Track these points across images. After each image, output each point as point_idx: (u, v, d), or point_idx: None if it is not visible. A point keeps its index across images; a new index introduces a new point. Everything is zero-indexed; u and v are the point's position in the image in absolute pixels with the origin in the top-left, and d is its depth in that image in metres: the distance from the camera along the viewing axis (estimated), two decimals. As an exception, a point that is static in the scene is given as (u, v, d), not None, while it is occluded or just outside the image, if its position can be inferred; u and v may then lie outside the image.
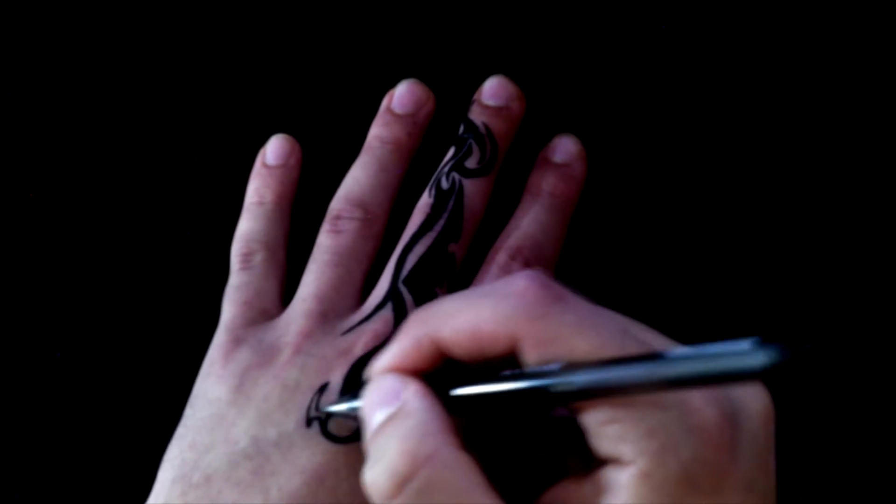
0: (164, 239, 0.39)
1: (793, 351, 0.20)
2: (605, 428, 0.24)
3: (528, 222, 0.36)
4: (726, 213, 0.38)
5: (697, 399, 0.24)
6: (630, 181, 0.39)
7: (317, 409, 0.32)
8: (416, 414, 0.25)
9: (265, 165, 0.39)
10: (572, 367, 0.24)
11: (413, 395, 0.26)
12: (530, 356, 0.25)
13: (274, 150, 0.39)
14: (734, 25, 0.40)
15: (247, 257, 0.37)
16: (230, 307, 0.36)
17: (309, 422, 0.32)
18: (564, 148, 0.38)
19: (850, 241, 0.38)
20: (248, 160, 0.39)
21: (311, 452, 0.31)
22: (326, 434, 0.32)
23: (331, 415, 0.32)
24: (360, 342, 0.33)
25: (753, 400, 0.25)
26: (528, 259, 0.35)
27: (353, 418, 0.32)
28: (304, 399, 0.32)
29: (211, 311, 0.37)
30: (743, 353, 0.21)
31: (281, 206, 0.38)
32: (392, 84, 0.39)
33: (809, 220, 0.38)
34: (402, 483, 0.24)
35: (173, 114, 0.40)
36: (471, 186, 0.36)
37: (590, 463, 0.26)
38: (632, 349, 0.24)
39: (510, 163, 0.38)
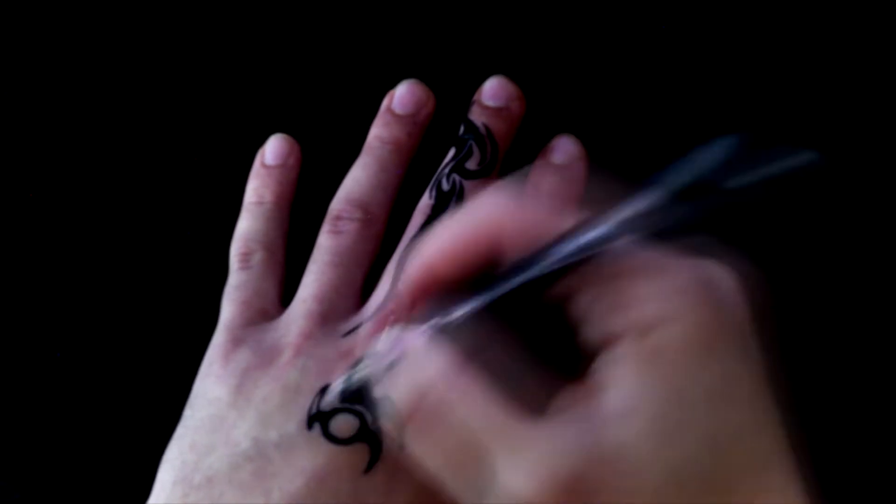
0: (164, 239, 0.39)
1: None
2: (592, 308, 0.25)
3: None
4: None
5: (674, 265, 0.24)
6: (632, 181, 0.38)
7: (316, 411, 0.32)
8: (418, 352, 0.25)
9: (264, 165, 0.39)
10: (559, 238, 0.24)
11: (413, 338, 0.26)
12: (514, 250, 0.25)
13: (273, 150, 0.39)
14: (734, 25, 0.40)
15: (246, 257, 0.37)
16: (229, 307, 0.36)
17: (310, 423, 0.32)
18: (564, 148, 0.37)
19: (850, 241, 0.38)
20: (248, 160, 0.39)
21: (313, 454, 0.31)
22: (328, 436, 0.32)
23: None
24: (360, 344, 0.33)
25: (722, 276, 0.25)
26: None
27: (359, 416, 0.32)
28: (304, 401, 0.32)
29: (210, 311, 0.36)
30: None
31: (280, 206, 0.38)
32: (392, 84, 0.39)
33: (811, 222, 0.38)
34: (414, 412, 0.24)
35: (173, 114, 0.40)
36: (472, 188, 0.36)
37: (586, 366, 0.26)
38: None
39: (510, 163, 0.38)
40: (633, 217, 0.24)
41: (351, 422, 0.32)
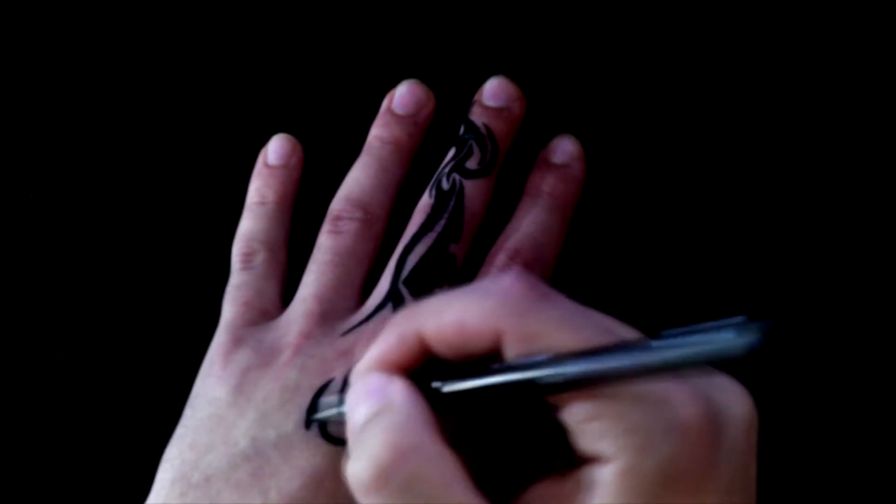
0: (165, 239, 0.39)
1: (775, 331, 0.20)
2: (585, 425, 0.24)
3: (528, 223, 0.36)
4: (725, 213, 0.38)
5: (679, 397, 0.24)
6: (629, 182, 0.38)
7: (314, 411, 0.32)
8: (400, 408, 0.25)
9: (266, 165, 0.39)
10: (560, 358, 0.24)
11: (398, 390, 0.25)
12: (513, 351, 0.25)
13: (275, 150, 0.39)
14: (734, 25, 0.40)
15: (248, 257, 0.37)
16: (230, 307, 0.36)
17: (308, 423, 0.32)
18: (564, 149, 0.38)
19: (850, 241, 0.38)
20: (250, 160, 0.39)
21: (311, 454, 0.31)
22: (326, 436, 0.32)
23: (320, 420, 0.32)
24: (360, 343, 0.33)
25: (737, 404, 0.25)
26: (528, 260, 0.35)
27: None
28: (303, 400, 0.32)
29: (211, 312, 0.36)
30: (727, 337, 0.20)
31: (282, 206, 0.38)
32: (393, 84, 0.39)
33: (810, 222, 0.38)
34: (386, 475, 0.24)
35: (174, 114, 0.40)
36: (471, 187, 0.36)
37: (573, 462, 0.26)
38: None
39: (510, 163, 0.38)
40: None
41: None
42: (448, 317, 0.26)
